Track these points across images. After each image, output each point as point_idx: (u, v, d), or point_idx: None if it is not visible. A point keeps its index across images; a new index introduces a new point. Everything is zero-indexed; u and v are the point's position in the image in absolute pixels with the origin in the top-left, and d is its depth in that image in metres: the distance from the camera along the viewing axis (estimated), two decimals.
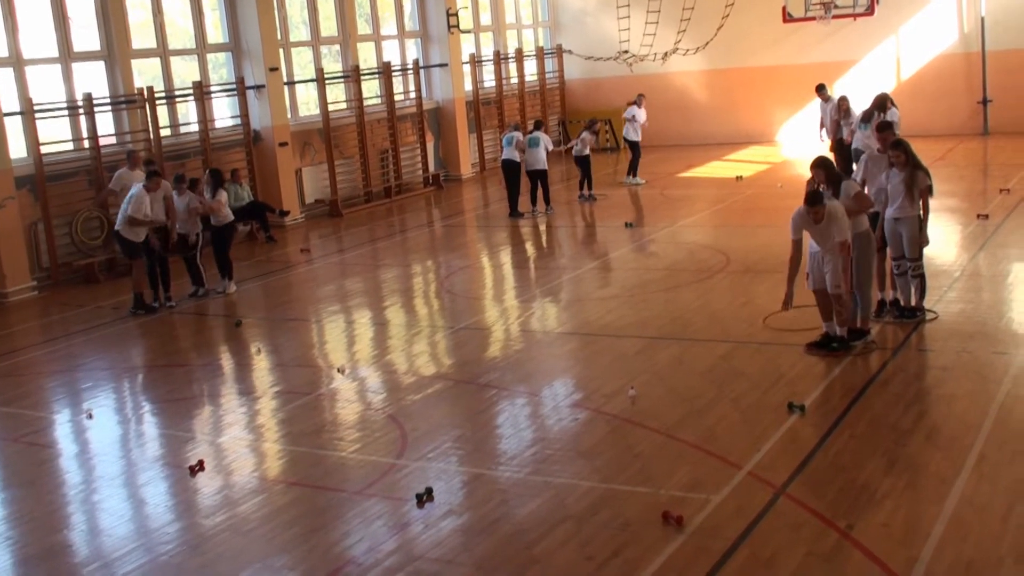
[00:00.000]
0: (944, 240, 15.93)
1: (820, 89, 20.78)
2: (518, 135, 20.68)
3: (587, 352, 11.87)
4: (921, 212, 11.30)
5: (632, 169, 23.11)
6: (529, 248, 18.57)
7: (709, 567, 6.78)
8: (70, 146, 18.02)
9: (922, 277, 11.51)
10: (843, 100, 19.56)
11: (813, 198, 10.24)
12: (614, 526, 7.45)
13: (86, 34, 18.46)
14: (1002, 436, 8.50)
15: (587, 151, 21.63)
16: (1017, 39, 25.31)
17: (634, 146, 23.00)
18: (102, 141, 18.10)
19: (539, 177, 20.63)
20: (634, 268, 16.03)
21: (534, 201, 20.69)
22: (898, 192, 11.19)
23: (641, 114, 23.03)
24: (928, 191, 11.33)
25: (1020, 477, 7.73)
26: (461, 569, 7.08)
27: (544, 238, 19.23)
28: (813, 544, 6.98)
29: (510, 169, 20.70)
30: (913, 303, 11.59)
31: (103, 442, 10.28)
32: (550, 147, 20.85)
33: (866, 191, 11.50)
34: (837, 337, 10.68)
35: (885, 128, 12.30)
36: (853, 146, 18.14)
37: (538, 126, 21.24)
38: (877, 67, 26.74)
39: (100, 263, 17.64)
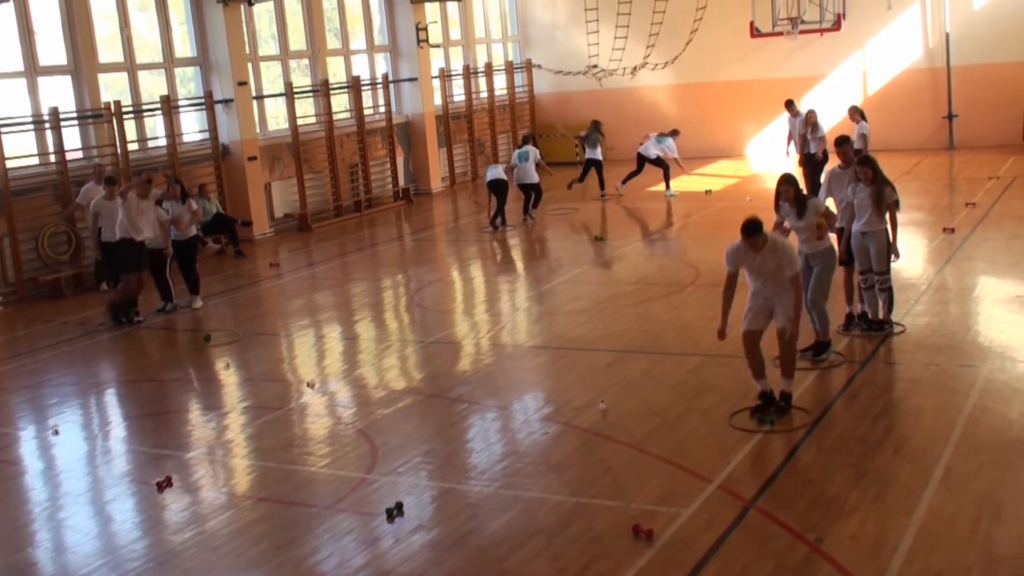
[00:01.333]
0: (911, 253, 16.05)
1: (789, 104, 20.90)
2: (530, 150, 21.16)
3: (557, 366, 11.88)
4: (889, 226, 11.38)
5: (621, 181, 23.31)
6: (499, 262, 18.57)
7: None
8: (36, 160, 17.89)
9: (890, 291, 11.57)
10: (811, 114, 19.73)
11: (750, 228, 9.24)
12: (585, 540, 7.44)
13: (52, 47, 18.34)
14: (969, 448, 8.56)
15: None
16: (981, 54, 25.59)
17: (596, 164, 23.03)
18: (69, 156, 17.98)
19: (532, 190, 20.99)
20: (604, 282, 16.06)
21: (526, 209, 21.12)
22: (865, 207, 11.25)
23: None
24: (895, 206, 11.41)
25: (987, 489, 7.79)
26: None
27: (514, 252, 19.24)
28: (783, 557, 7.00)
29: (499, 189, 20.60)
30: (881, 316, 11.66)
31: (69, 458, 10.18)
32: (539, 160, 21.18)
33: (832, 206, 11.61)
34: (784, 394, 9.60)
35: (843, 142, 12.35)
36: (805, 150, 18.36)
37: (526, 140, 21.69)
38: (844, 82, 26.97)
39: (66, 278, 17.50)
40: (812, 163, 19.42)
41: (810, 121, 19.52)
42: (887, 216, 11.32)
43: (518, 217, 21.05)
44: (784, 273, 9.34)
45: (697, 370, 11.08)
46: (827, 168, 13.99)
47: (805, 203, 10.68)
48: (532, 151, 21.02)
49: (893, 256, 11.49)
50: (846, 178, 11.70)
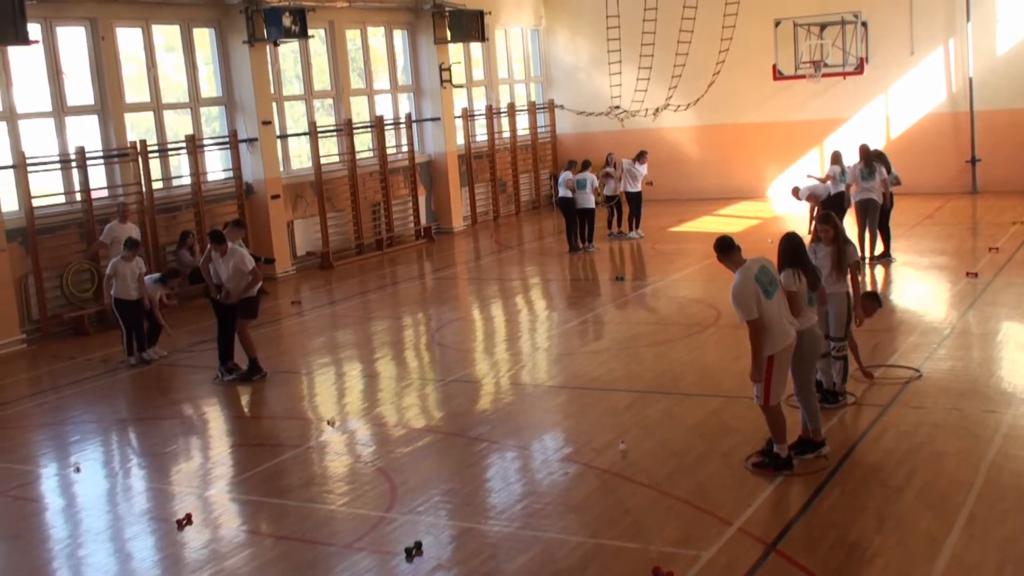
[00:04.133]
0: (934, 298, 16.00)
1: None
2: (568, 175, 21.90)
3: (577, 406, 11.86)
4: (851, 289, 10.78)
5: (633, 222, 23.33)
6: (520, 301, 18.59)
7: None
8: (62, 199, 18.06)
9: (845, 359, 10.88)
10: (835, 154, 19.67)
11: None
12: None
13: (80, 88, 18.57)
14: (992, 495, 8.49)
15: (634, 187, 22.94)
16: (1004, 100, 25.59)
17: (623, 200, 23.22)
18: (94, 194, 18.15)
19: (587, 216, 21.82)
20: (625, 322, 16.05)
21: (583, 238, 21.90)
22: (824, 267, 10.42)
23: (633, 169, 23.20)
24: (857, 267, 10.89)
25: (1010, 537, 7.71)
26: None
27: (536, 291, 19.26)
28: None
29: (566, 207, 21.85)
30: (835, 387, 10.89)
31: (90, 496, 10.21)
32: (596, 186, 22.00)
33: None
34: (771, 454, 9.34)
35: (811, 197, 12.00)
36: (857, 198, 18.07)
37: (586, 166, 22.38)
38: (867, 125, 26.97)
39: (90, 315, 17.61)
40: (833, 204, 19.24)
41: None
42: (848, 278, 10.71)
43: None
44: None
45: (717, 411, 11.04)
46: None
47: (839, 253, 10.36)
48: (590, 177, 21.83)
49: (856, 322, 10.90)
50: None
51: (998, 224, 21.55)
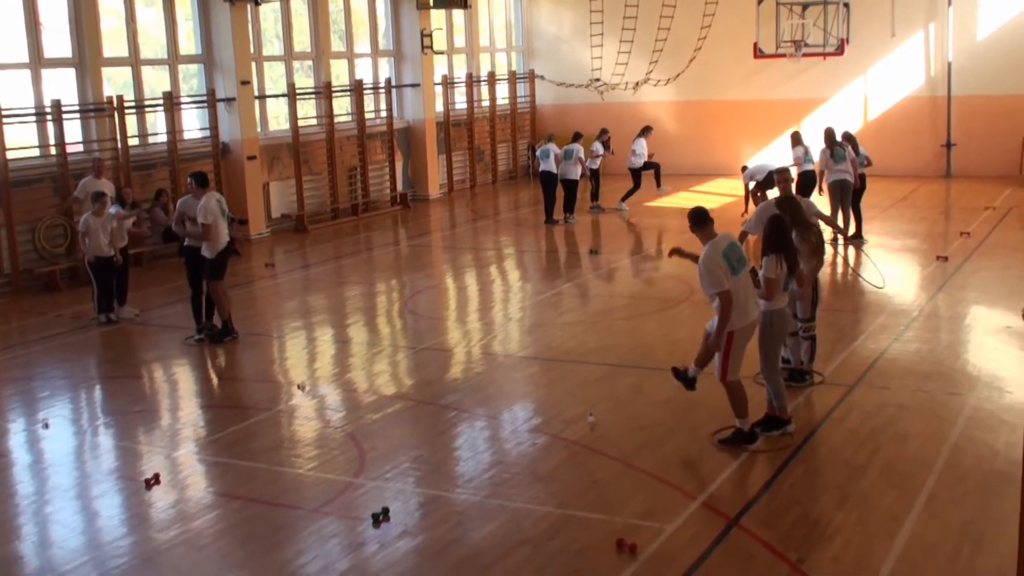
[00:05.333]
0: (904, 280, 16.14)
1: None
2: (553, 146, 21.99)
3: (548, 377, 11.92)
4: (807, 268, 10.54)
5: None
6: (494, 271, 18.62)
7: None
8: (36, 152, 17.92)
9: (813, 339, 10.99)
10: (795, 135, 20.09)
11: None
12: (569, 552, 7.48)
13: (57, 40, 18.38)
14: (954, 476, 8.62)
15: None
16: (982, 86, 25.74)
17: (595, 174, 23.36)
18: (69, 148, 18.01)
19: (571, 187, 21.99)
20: (598, 295, 16.11)
21: (567, 209, 22.05)
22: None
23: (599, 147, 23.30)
24: (820, 251, 10.83)
25: (969, 518, 7.83)
26: None
27: (510, 262, 19.29)
28: (764, 575, 7.05)
29: (547, 180, 21.96)
30: (803, 366, 10.99)
31: (58, 452, 10.20)
32: (583, 158, 22.20)
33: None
34: (736, 430, 9.46)
35: (783, 171, 11.89)
36: (830, 180, 18.21)
37: (576, 138, 22.55)
38: (845, 106, 27.09)
39: (62, 271, 17.51)
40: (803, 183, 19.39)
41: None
42: (813, 262, 10.61)
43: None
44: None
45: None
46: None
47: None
48: (577, 148, 21.98)
49: (816, 301, 10.92)
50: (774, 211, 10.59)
51: (971, 209, 21.72)
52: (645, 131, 23.79)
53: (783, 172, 12.02)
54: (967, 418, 9.93)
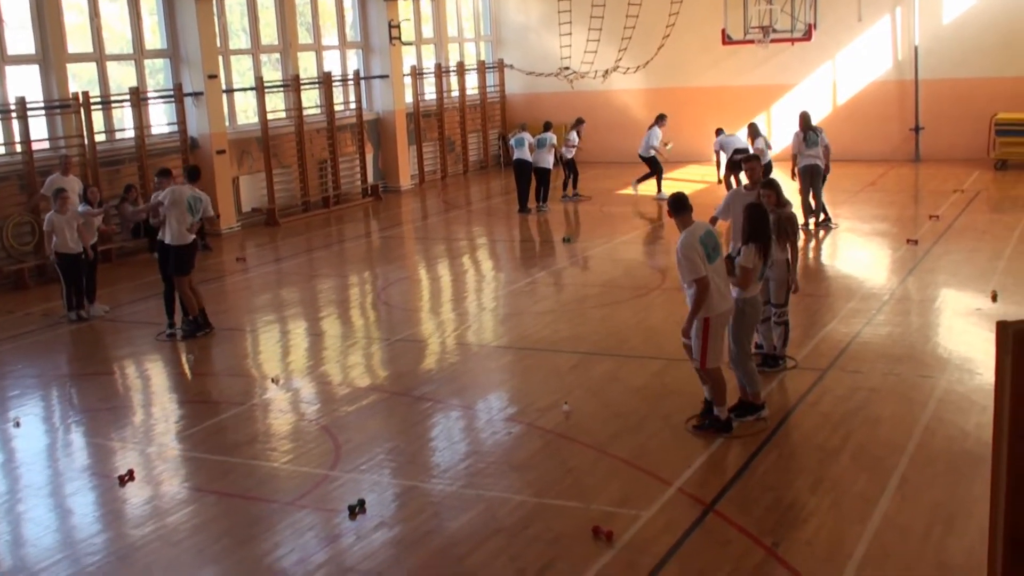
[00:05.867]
0: (874, 264, 16.25)
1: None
2: (527, 135, 22.12)
3: (522, 366, 11.93)
4: (789, 256, 10.71)
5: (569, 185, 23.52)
6: (467, 261, 18.61)
7: None
8: (2, 150, 17.75)
9: (786, 324, 11.00)
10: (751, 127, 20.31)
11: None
12: (545, 540, 7.50)
13: (20, 36, 18.20)
14: (925, 458, 8.69)
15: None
16: (949, 69, 25.88)
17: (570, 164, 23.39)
18: (35, 146, 17.85)
19: (544, 175, 22.15)
20: (571, 283, 16.13)
21: (540, 197, 22.20)
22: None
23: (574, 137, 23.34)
24: (796, 234, 10.87)
25: (940, 500, 7.91)
26: None
27: (483, 251, 19.28)
28: (739, 561, 7.09)
29: (521, 168, 22.06)
30: (776, 351, 11.02)
31: (30, 451, 10.13)
32: (556, 146, 22.54)
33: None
34: (711, 416, 9.49)
35: (752, 159, 11.80)
36: (800, 165, 18.33)
37: (547, 127, 22.74)
38: (814, 92, 27.19)
39: (30, 269, 17.37)
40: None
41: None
42: (787, 247, 10.63)
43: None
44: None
45: (660, 374, 11.17)
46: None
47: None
48: (550, 137, 22.16)
49: (792, 288, 10.89)
50: (748, 199, 10.61)
51: (939, 192, 21.87)
52: (660, 120, 23.50)
53: (751, 161, 11.93)
54: (938, 400, 10.01)
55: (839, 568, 6.91)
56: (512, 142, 22.49)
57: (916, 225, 18.67)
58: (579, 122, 23.61)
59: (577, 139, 23.28)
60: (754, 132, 20.54)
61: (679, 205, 9.31)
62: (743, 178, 13.84)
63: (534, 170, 22.01)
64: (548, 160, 22.08)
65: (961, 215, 19.14)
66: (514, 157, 22.31)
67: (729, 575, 6.92)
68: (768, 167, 19.38)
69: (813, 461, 8.74)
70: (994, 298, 13.20)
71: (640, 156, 23.32)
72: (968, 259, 15.78)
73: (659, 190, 23.03)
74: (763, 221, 9.59)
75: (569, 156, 23.25)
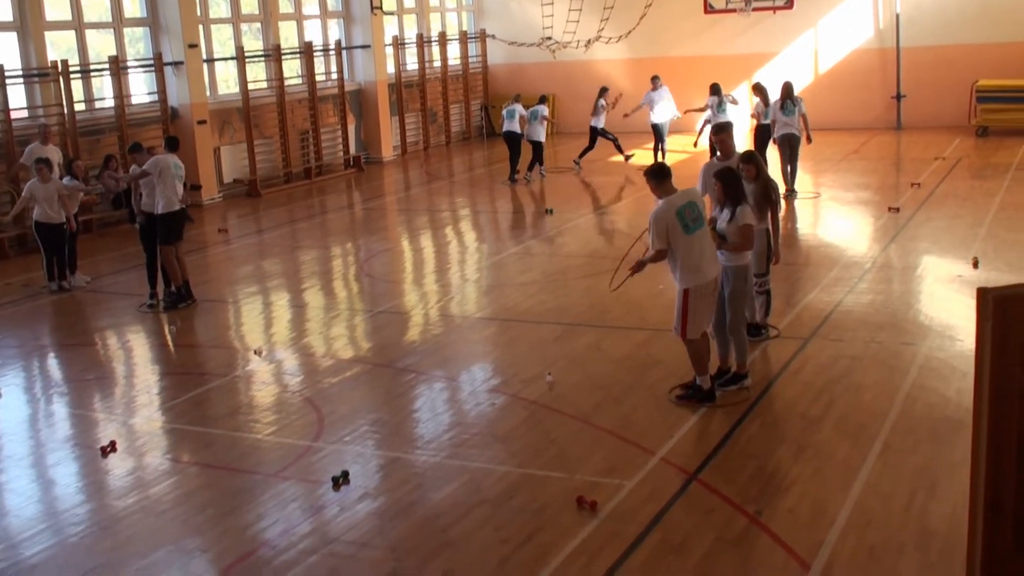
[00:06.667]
0: (856, 232, 16.28)
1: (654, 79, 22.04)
2: (520, 107, 22.15)
3: (506, 337, 11.93)
4: (770, 226, 10.66)
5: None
6: (450, 232, 18.57)
7: (621, 551, 6.88)
8: None
9: (767, 294, 11.03)
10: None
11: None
12: (529, 511, 7.52)
13: None
14: (907, 425, 8.73)
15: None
16: (930, 36, 25.89)
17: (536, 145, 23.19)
18: (13, 115, 17.71)
19: (538, 147, 22.24)
20: (554, 254, 16.12)
21: (530, 168, 22.31)
22: None
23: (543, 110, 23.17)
24: (776, 205, 10.75)
25: (922, 465, 7.95)
26: (376, 552, 7.09)
27: (466, 223, 19.24)
28: (723, 529, 7.12)
29: (511, 139, 22.06)
30: (758, 320, 10.94)
31: (11, 422, 10.08)
32: (548, 118, 22.60)
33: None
34: (694, 386, 9.45)
35: (722, 130, 11.51)
36: (778, 134, 18.34)
37: (542, 100, 22.67)
38: (796, 60, 27.17)
39: (10, 239, 17.26)
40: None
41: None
42: (768, 216, 10.56)
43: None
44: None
45: (644, 344, 11.18)
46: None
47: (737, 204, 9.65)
48: (542, 109, 22.08)
49: (773, 259, 10.86)
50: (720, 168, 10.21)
51: (921, 160, 21.91)
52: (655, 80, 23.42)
53: (721, 133, 11.54)
54: (919, 367, 10.05)
55: (822, 535, 6.95)
56: (504, 113, 22.43)
57: (898, 193, 18.71)
58: (603, 91, 23.46)
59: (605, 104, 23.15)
60: (714, 91, 20.70)
61: (658, 174, 9.25)
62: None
63: (529, 142, 22.04)
64: (540, 133, 22.04)
65: (942, 182, 19.19)
66: (504, 128, 22.23)
67: (713, 543, 6.94)
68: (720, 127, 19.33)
69: (796, 429, 8.77)
70: (975, 265, 13.25)
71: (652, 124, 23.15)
72: (949, 226, 15.83)
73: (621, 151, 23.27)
74: (738, 182, 9.58)
75: (599, 125, 23.09)
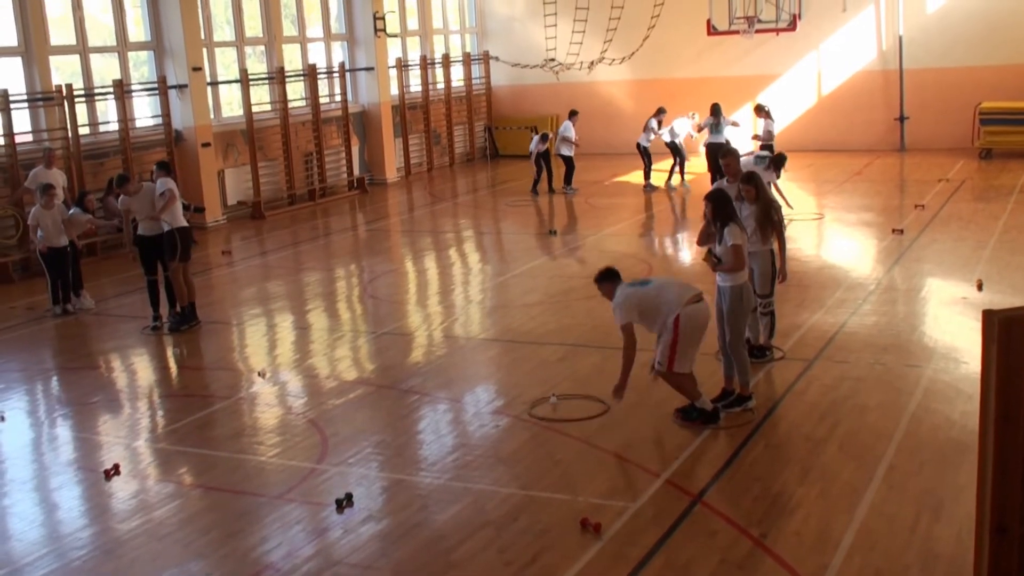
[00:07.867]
0: (860, 254, 16.28)
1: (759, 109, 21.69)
2: (548, 133, 23.91)
3: (509, 359, 11.91)
4: (776, 247, 10.72)
5: (567, 179, 23.43)
6: (453, 253, 18.59)
7: (625, 574, 6.85)
8: None
9: (772, 315, 11.03)
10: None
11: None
12: (533, 532, 7.49)
13: (2, 28, 18.08)
14: (912, 447, 8.71)
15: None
16: (933, 58, 25.95)
17: (568, 160, 23.32)
18: (18, 139, 17.75)
19: (569, 161, 23.33)
20: (558, 275, 16.11)
21: (567, 181, 23.37)
22: (748, 226, 10.27)
23: (571, 129, 23.34)
24: (782, 223, 10.80)
25: (927, 487, 7.93)
26: (380, 574, 7.07)
27: (469, 244, 19.26)
28: (727, 551, 7.09)
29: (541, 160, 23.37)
30: (762, 341, 11.01)
31: (15, 445, 10.07)
32: (572, 137, 23.45)
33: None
34: (696, 408, 9.45)
35: (728, 154, 11.52)
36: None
37: (572, 115, 23.74)
38: (799, 82, 27.23)
39: (14, 262, 17.29)
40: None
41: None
42: (772, 237, 10.60)
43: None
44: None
45: (647, 366, 11.09)
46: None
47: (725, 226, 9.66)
48: (568, 126, 23.28)
49: (779, 279, 10.87)
50: (731, 194, 10.35)
51: (925, 181, 21.92)
52: (659, 113, 23.70)
53: (727, 157, 11.53)
54: (924, 389, 10.03)
55: (827, 558, 6.92)
56: (536, 138, 23.41)
57: (901, 215, 18.71)
58: (660, 112, 23.66)
59: (658, 127, 23.41)
60: (713, 112, 21.16)
61: (605, 276, 9.44)
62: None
63: (561, 158, 23.14)
64: (569, 149, 23.16)
65: (946, 204, 19.19)
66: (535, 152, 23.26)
67: (717, 566, 6.92)
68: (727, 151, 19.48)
69: (800, 451, 8.75)
70: (980, 287, 13.24)
71: (666, 144, 23.29)
72: (953, 248, 15.82)
73: (647, 179, 23.12)
74: (728, 202, 9.60)
75: (645, 144, 23.27)
